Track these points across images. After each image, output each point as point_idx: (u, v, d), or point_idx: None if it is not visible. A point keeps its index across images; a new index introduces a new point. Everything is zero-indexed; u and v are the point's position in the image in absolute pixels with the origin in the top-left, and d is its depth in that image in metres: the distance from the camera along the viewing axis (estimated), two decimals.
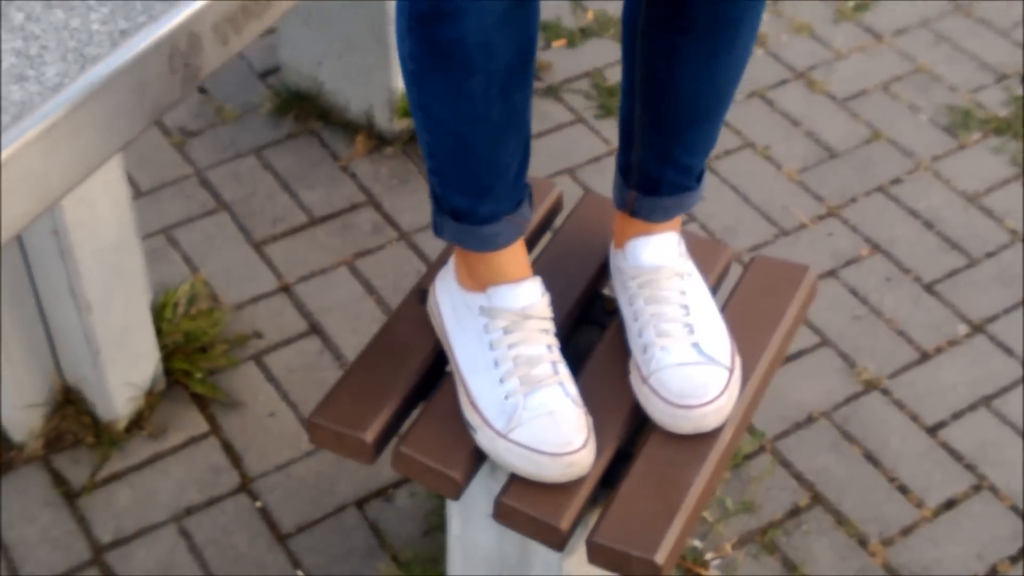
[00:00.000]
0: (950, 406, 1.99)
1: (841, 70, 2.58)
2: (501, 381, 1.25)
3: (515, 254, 1.28)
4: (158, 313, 1.92)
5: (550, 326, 1.28)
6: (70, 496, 1.79)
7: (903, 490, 1.87)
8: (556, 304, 1.37)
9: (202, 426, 1.89)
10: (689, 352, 1.29)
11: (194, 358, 1.90)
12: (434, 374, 1.36)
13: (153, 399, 1.87)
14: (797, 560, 1.78)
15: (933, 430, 1.95)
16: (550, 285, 1.38)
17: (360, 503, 1.80)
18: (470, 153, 1.20)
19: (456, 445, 1.26)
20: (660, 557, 1.17)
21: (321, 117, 2.38)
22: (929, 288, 2.17)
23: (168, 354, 1.89)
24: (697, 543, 1.80)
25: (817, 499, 1.86)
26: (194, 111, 2.41)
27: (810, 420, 1.97)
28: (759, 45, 2.62)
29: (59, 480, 1.81)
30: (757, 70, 2.56)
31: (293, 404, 1.92)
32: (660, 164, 1.33)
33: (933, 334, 2.09)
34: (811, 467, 1.91)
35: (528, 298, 1.27)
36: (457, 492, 1.25)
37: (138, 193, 2.25)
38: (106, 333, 1.74)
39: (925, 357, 2.06)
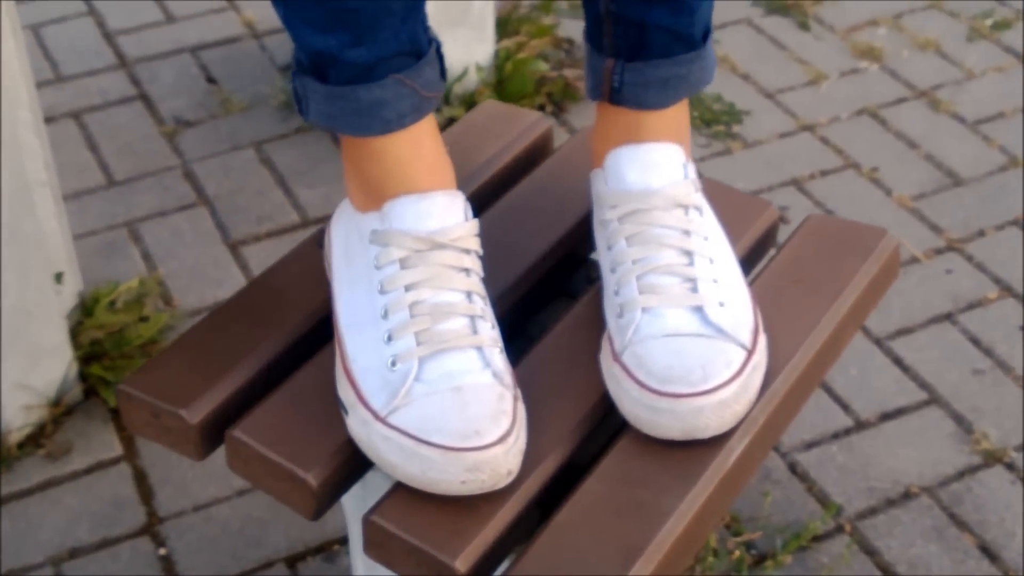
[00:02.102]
0: None
1: (973, 90, 2.12)
2: (389, 339, 0.84)
3: (420, 149, 0.87)
4: (86, 309, 1.55)
5: (473, 264, 0.87)
6: None
7: None
8: (510, 263, 0.94)
9: (115, 449, 1.49)
10: (686, 318, 0.86)
11: (118, 365, 1.51)
12: (312, 342, 0.94)
13: (59, 411, 1.48)
14: None
15: None
16: (508, 238, 0.96)
17: (293, 560, 1.38)
18: None
19: (319, 434, 0.84)
20: None
21: None
22: None
23: (86, 358, 1.51)
24: None
25: None
26: (197, 100, 2.06)
27: (907, 496, 1.49)
28: (872, 59, 2.18)
29: None
30: (868, 86, 2.12)
31: None
32: (640, 5, 0.91)
33: None
34: (904, 557, 1.42)
35: (440, 217, 0.86)
36: (312, 505, 0.82)
37: (110, 182, 1.90)
38: None
39: None
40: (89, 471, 1.47)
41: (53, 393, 1.48)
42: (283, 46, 2.18)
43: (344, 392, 0.86)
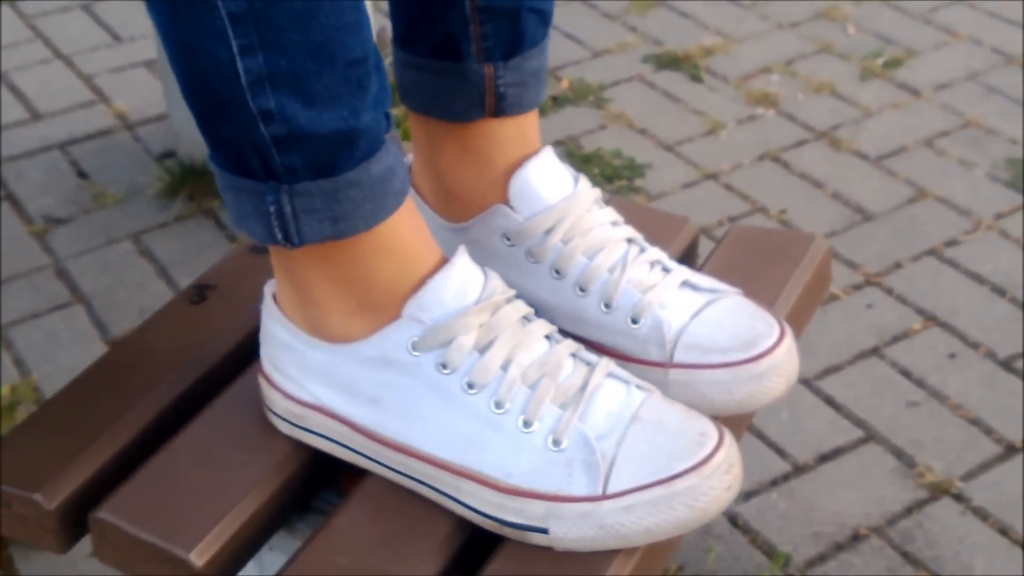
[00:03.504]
0: None
1: (872, 128, 2.09)
2: (527, 426, 0.73)
3: (414, 215, 0.77)
4: None
5: (526, 307, 0.78)
6: None
7: None
8: None
9: None
10: (693, 296, 0.82)
11: None
12: (185, 407, 0.83)
13: None
14: None
15: None
16: None
17: None
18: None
19: (199, 508, 0.72)
20: None
21: (220, 194, 1.89)
22: (1007, 365, 1.61)
23: None
24: None
25: None
26: (67, 197, 1.94)
27: (856, 539, 1.40)
28: (768, 105, 2.13)
29: None
30: (767, 131, 2.07)
31: None
32: None
33: (1019, 421, 1.53)
34: None
35: (473, 277, 0.76)
36: None
37: None
38: None
39: (1011, 451, 1.49)
40: None
41: None
42: (157, 135, 2.07)
43: (523, 516, 0.73)
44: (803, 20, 2.40)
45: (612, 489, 0.72)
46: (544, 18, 0.84)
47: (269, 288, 0.80)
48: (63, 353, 1.64)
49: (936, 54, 2.28)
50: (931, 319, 1.69)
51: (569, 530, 0.72)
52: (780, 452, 1.50)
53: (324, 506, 0.82)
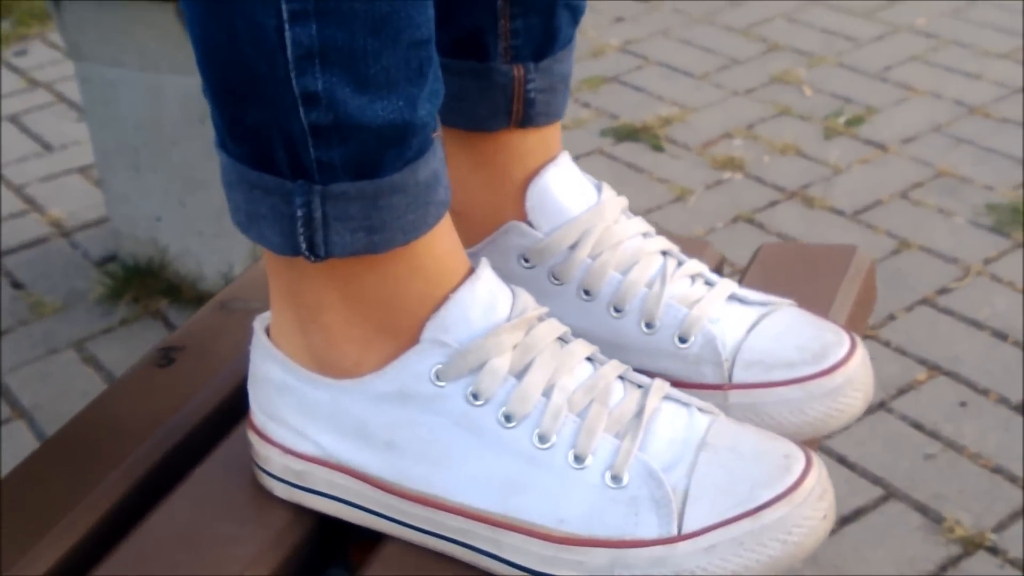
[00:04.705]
0: None
1: (843, 184, 2.02)
2: (579, 461, 0.62)
3: (450, 231, 0.65)
4: None
5: (562, 326, 0.66)
6: None
7: None
8: None
9: None
10: (745, 310, 0.73)
11: None
12: (161, 478, 0.70)
13: None
14: None
15: None
16: None
17: None
18: None
19: None
20: None
21: (167, 294, 1.78)
22: (1022, 409, 1.52)
23: None
24: None
25: None
26: (2, 308, 1.81)
27: None
28: (734, 169, 2.06)
29: None
30: (736, 194, 2.00)
31: None
32: None
33: None
34: None
35: (504, 296, 0.65)
36: None
37: None
38: None
39: None
40: None
41: None
42: (96, 239, 1.95)
43: (583, 569, 0.61)
44: (758, 86, 2.35)
45: (688, 528, 0.60)
46: (575, 16, 0.74)
47: (260, 323, 0.68)
48: (6, 472, 1.50)
49: (897, 109, 2.23)
50: (935, 368, 1.60)
51: None
52: None
53: None
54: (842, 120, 2.20)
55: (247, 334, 0.77)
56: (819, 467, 0.62)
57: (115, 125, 1.70)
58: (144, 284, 1.79)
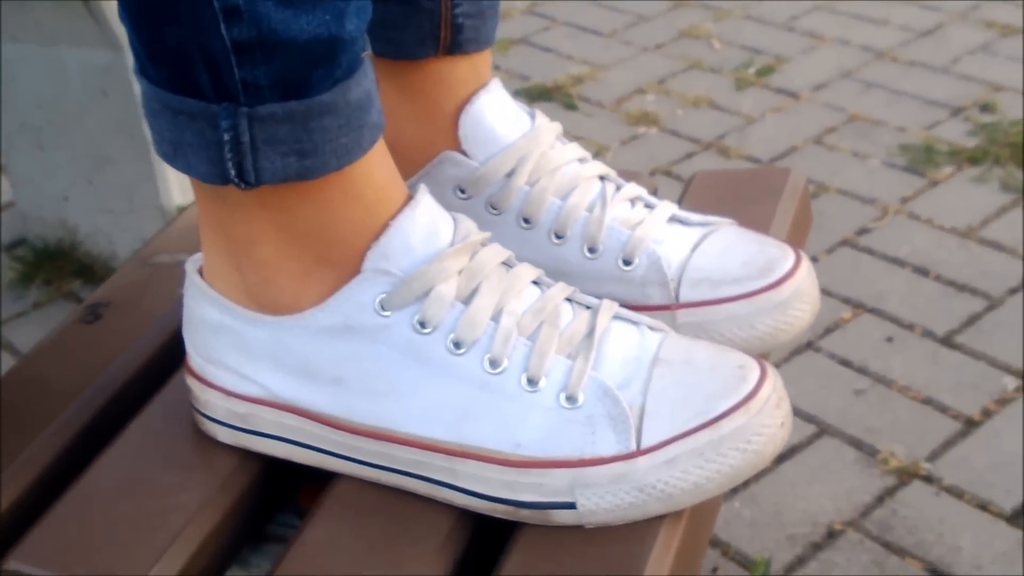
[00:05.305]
0: None
1: (758, 133, 2.02)
2: (532, 383, 0.60)
3: (385, 156, 0.63)
4: None
5: (505, 250, 0.64)
6: None
7: None
8: None
9: None
10: (685, 231, 0.72)
11: None
12: (95, 435, 0.68)
13: None
14: None
15: (1014, 517, 1.28)
16: None
17: None
18: None
19: (136, 542, 0.57)
20: None
21: (80, 274, 1.74)
22: (948, 341, 1.54)
23: None
24: None
25: None
26: None
27: (832, 535, 1.29)
28: (649, 124, 2.06)
29: None
30: (653, 148, 2.00)
31: None
32: None
33: (973, 394, 1.45)
34: None
35: (446, 222, 0.63)
36: None
37: None
38: None
39: (971, 425, 1.41)
40: None
41: None
42: (4, 225, 1.89)
43: (543, 492, 0.60)
44: (667, 42, 2.35)
45: (647, 443, 0.59)
46: None
47: (192, 264, 0.66)
48: None
49: (806, 58, 2.25)
50: (859, 306, 1.61)
51: (601, 499, 0.59)
52: None
53: (283, 531, 0.68)
54: (752, 71, 2.21)
55: (174, 285, 0.75)
56: (774, 376, 0.61)
57: (16, 104, 1.64)
58: (55, 266, 1.75)
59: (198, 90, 0.57)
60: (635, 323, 0.64)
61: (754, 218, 0.79)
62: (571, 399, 0.60)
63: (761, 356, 0.70)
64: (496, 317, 0.61)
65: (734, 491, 1.35)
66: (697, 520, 0.62)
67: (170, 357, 0.73)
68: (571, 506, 0.59)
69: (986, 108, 2.03)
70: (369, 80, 0.60)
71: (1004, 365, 1.49)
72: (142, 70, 0.59)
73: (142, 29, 0.57)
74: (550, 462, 0.59)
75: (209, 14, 0.54)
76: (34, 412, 0.69)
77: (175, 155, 0.59)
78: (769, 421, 0.60)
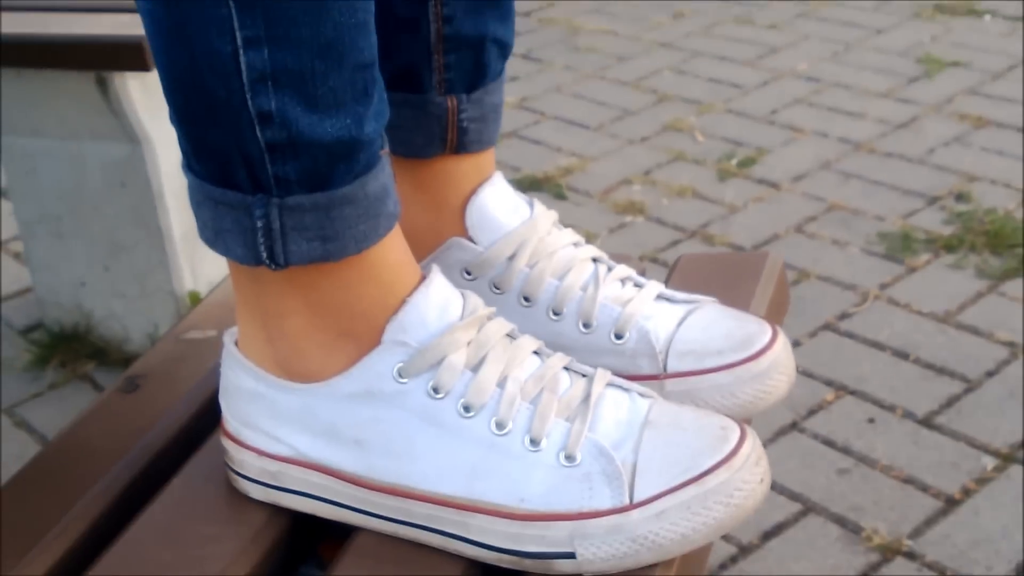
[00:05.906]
0: (1006, 557, 1.38)
1: (740, 222, 2.11)
2: (534, 444, 0.67)
3: (400, 241, 0.71)
4: None
5: (509, 323, 0.72)
6: None
7: None
8: None
9: None
10: (673, 307, 0.79)
11: None
12: (137, 494, 0.74)
13: None
14: None
15: None
16: None
17: None
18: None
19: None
20: None
21: (94, 356, 1.80)
22: (928, 422, 1.61)
23: None
24: None
25: None
26: None
27: None
28: (635, 213, 2.14)
29: None
30: (639, 236, 2.08)
31: None
32: (476, 17, 0.79)
33: (953, 473, 1.51)
34: None
35: (455, 299, 0.70)
36: None
37: None
38: None
39: (951, 503, 1.47)
40: None
41: None
42: (20, 309, 1.96)
43: (545, 543, 0.66)
44: (651, 135, 2.44)
45: (639, 496, 0.66)
46: (504, 51, 0.81)
47: (229, 336, 0.73)
48: None
49: (786, 150, 2.34)
50: (841, 389, 1.68)
51: (599, 549, 0.65)
52: (723, 536, 1.45)
53: None
54: (734, 162, 2.30)
55: (205, 359, 0.82)
56: (753, 436, 0.68)
57: (37, 195, 1.72)
58: (70, 348, 1.81)
59: (236, 183, 0.64)
60: (627, 390, 0.71)
61: (735, 297, 0.86)
62: (570, 458, 0.66)
63: (744, 421, 0.77)
64: (502, 384, 0.68)
65: (722, 567, 1.41)
66: (686, 568, 0.68)
67: (203, 423, 0.79)
68: (571, 556, 0.66)
69: (961, 197, 2.12)
70: (386, 175, 0.68)
71: (983, 445, 1.55)
72: (188, 165, 0.67)
73: (188, 130, 0.65)
74: (552, 515, 0.66)
75: (246, 119, 0.62)
76: (84, 470, 0.75)
77: (216, 240, 0.67)
78: (750, 477, 0.66)
